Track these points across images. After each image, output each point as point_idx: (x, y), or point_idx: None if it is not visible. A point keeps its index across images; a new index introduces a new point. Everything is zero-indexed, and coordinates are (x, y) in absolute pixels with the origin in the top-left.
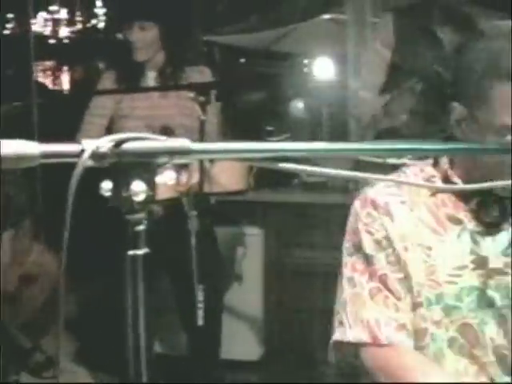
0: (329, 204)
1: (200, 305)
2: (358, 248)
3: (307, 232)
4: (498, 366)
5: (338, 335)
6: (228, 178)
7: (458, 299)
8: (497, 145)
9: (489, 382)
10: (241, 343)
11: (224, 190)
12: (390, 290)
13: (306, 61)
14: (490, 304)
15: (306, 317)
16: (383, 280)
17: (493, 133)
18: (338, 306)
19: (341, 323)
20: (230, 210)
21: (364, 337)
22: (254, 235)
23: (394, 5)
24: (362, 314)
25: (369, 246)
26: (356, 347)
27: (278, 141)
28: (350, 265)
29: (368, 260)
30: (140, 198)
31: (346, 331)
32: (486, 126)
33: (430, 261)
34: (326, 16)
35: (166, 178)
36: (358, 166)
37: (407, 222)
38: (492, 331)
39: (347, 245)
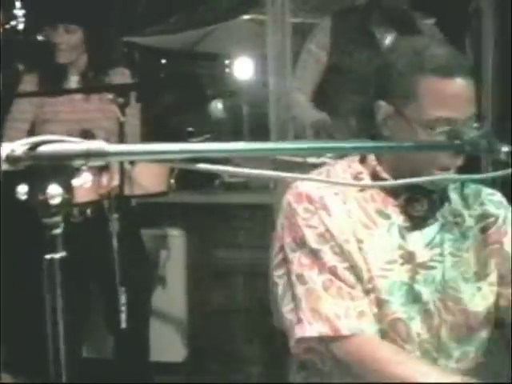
0: (250, 204)
1: (123, 308)
2: (302, 243)
3: (229, 233)
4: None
5: (299, 332)
6: (149, 179)
7: (390, 293)
8: (414, 142)
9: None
10: (165, 345)
11: (145, 192)
12: (341, 280)
13: (227, 61)
14: (416, 299)
15: (230, 317)
16: (333, 271)
17: (422, 128)
18: (289, 304)
19: (299, 320)
20: (151, 212)
21: (325, 330)
22: (176, 237)
23: (332, 8)
24: (320, 309)
25: (313, 240)
26: (319, 342)
27: (199, 141)
28: (297, 261)
29: (314, 254)
30: (56, 201)
31: (307, 327)
32: (414, 122)
33: (363, 254)
34: (247, 16)
35: (83, 181)
36: (279, 165)
37: (343, 215)
38: (417, 326)
39: (287, 240)
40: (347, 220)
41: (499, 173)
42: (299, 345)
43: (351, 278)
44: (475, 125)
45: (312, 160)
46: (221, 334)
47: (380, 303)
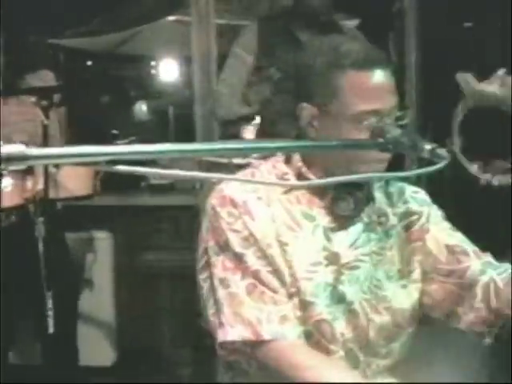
0: (176, 206)
1: (50, 312)
2: (225, 247)
3: (156, 234)
4: (346, 361)
5: (221, 336)
6: (74, 182)
7: (315, 295)
8: (339, 141)
9: None
10: (94, 349)
11: (71, 195)
12: (264, 285)
13: (152, 62)
14: (340, 300)
15: (158, 319)
16: (256, 275)
17: (349, 123)
18: (213, 308)
19: (221, 324)
20: (77, 215)
21: (247, 335)
22: (102, 239)
23: (257, 9)
24: (242, 313)
25: (237, 244)
26: (241, 346)
27: (124, 144)
28: (220, 264)
29: (238, 258)
30: None
31: (229, 331)
32: (340, 119)
33: (288, 257)
34: (172, 18)
35: (4, 185)
36: (205, 166)
37: (266, 219)
38: (342, 326)
39: (211, 244)
40: (271, 224)
41: (423, 170)
42: (222, 348)
43: (274, 283)
44: (399, 114)
45: (237, 161)
46: (149, 337)
47: (305, 305)
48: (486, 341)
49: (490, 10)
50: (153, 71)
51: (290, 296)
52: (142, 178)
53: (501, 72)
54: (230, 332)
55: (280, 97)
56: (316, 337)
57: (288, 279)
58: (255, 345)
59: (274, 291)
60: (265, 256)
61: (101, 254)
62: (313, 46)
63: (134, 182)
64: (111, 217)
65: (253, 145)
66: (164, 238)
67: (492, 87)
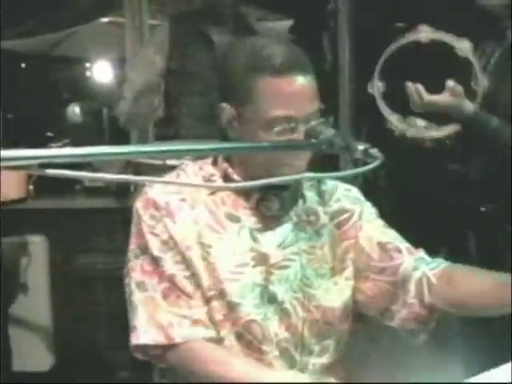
0: (111, 208)
1: None
2: (145, 250)
3: (91, 237)
4: (281, 360)
5: (133, 339)
6: (6, 186)
7: (241, 296)
8: (271, 143)
9: None
10: (30, 354)
11: (3, 199)
12: (180, 289)
13: (87, 64)
14: (271, 300)
15: (95, 323)
16: (172, 280)
17: (261, 128)
18: (129, 310)
19: (134, 328)
20: (10, 219)
21: (160, 339)
22: (37, 243)
23: (169, 11)
24: (156, 317)
25: (156, 248)
26: (153, 349)
27: (58, 146)
28: (139, 268)
29: (156, 262)
30: None
31: (141, 335)
32: (254, 123)
33: (211, 259)
34: (105, 19)
35: None
36: (138, 168)
37: (188, 221)
38: (275, 326)
39: (133, 247)
40: (193, 226)
41: (356, 170)
42: (136, 351)
43: (190, 287)
44: (319, 121)
45: (172, 162)
46: (87, 340)
47: (232, 306)
48: (418, 339)
49: (421, 11)
50: (87, 73)
51: (209, 299)
52: (76, 180)
53: (451, 83)
54: (143, 336)
55: (191, 98)
56: (247, 338)
57: (206, 282)
58: (167, 348)
59: (190, 296)
60: (183, 259)
61: (36, 258)
62: (236, 47)
63: (68, 185)
64: (46, 220)
65: (186, 147)
66: (99, 241)
67: (443, 98)
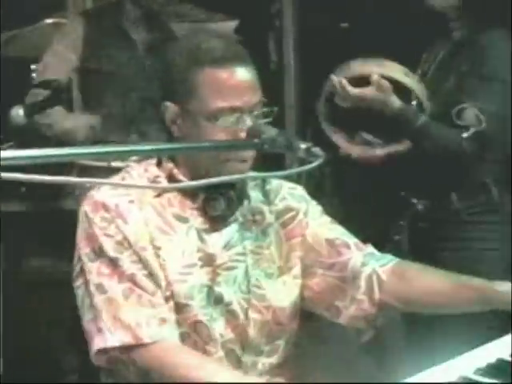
0: (61, 210)
1: None
2: (100, 253)
3: (40, 241)
4: (226, 361)
5: (99, 343)
6: None
7: (189, 297)
8: (213, 142)
9: None
10: None
11: None
12: (141, 288)
13: (32, 66)
14: (218, 301)
15: (45, 327)
16: (132, 279)
17: (206, 121)
18: (89, 315)
19: (99, 330)
20: None
21: (127, 339)
22: None
23: (83, 8)
24: (121, 317)
25: (111, 249)
26: (121, 351)
27: (3, 149)
28: (96, 270)
29: (113, 263)
30: None
31: (108, 337)
32: (198, 116)
33: (161, 260)
34: (49, 20)
35: None
36: (83, 170)
37: (139, 222)
38: (221, 327)
39: (86, 251)
40: (144, 227)
41: (298, 169)
42: (100, 355)
43: (151, 285)
44: (262, 111)
45: (117, 164)
46: (36, 345)
47: (180, 307)
48: (364, 337)
49: (365, 11)
50: (32, 74)
51: (167, 299)
52: (24, 183)
53: (376, 77)
54: (110, 338)
55: (112, 99)
56: (193, 338)
57: (163, 282)
58: (135, 349)
59: (152, 294)
60: (140, 259)
61: None
62: (175, 44)
63: (16, 188)
64: None
65: (128, 148)
66: (49, 244)
67: (368, 91)
